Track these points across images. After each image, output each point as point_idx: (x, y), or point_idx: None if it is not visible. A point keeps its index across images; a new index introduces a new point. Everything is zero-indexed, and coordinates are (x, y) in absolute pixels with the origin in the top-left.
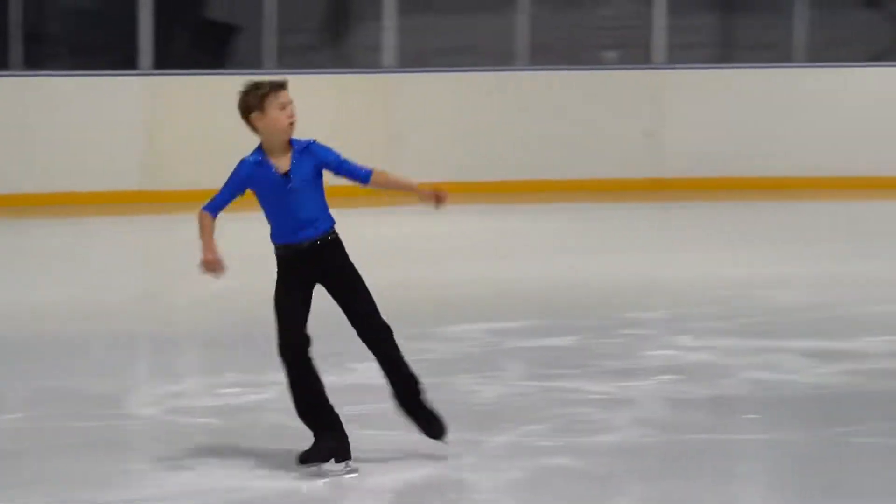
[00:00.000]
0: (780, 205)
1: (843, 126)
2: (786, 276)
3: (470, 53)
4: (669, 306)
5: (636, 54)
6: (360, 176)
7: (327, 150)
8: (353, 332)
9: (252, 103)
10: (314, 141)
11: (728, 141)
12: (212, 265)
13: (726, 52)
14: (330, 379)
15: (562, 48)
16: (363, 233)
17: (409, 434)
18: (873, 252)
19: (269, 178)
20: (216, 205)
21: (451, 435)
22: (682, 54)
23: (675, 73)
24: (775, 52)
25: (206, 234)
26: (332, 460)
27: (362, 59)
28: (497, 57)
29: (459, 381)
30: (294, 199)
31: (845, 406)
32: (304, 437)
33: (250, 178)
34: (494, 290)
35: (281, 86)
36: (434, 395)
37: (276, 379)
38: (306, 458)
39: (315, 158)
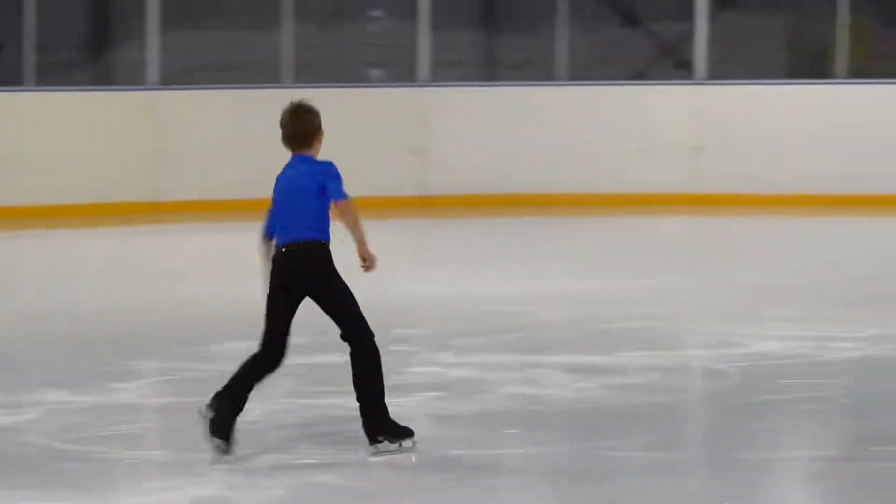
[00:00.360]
0: (542, 221)
1: (604, 143)
2: (547, 292)
3: (235, 70)
4: (433, 323)
5: (401, 72)
6: (339, 196)
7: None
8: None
9: (319, 124)
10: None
11: (493, 158)
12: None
13: (490, 70)
14: (92, 399)
15: (327, 65)
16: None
17: (175, 453)
18: (631, 268)
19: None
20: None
21: (214, 454)
22: (447, 72)
23: (439, 91)
24: (538, 71)
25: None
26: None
27: (125, 77)
28: (262, 74)
29: None
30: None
31: (605, 420)
32: (74, 458)
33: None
34: (253, 307)
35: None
36: (196, 414)
37: (37, 399)
38: (210, 429)
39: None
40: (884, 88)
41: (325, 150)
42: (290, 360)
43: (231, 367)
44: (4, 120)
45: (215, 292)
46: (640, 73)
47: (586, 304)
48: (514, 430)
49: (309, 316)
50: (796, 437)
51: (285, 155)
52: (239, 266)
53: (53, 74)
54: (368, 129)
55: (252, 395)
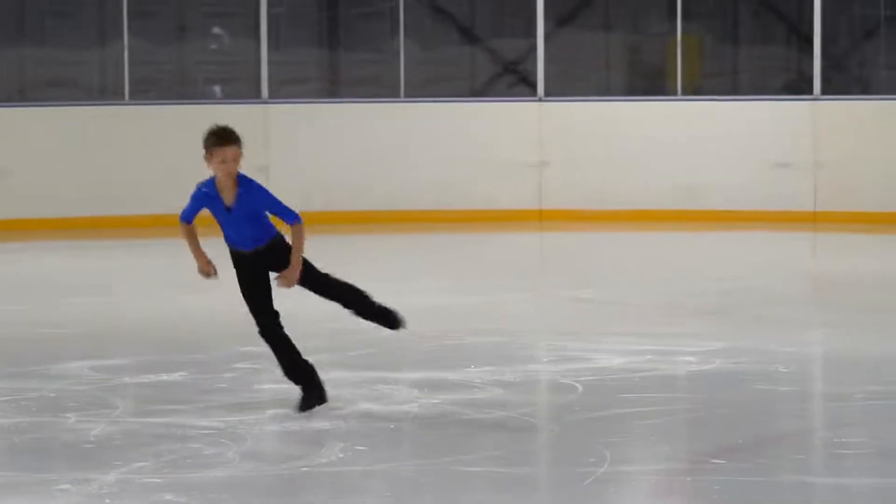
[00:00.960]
0: (387, 238)
1: (448, 160)
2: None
3: (69, 86)
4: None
5: (242, 89)
6: (289, 219)
7: (265, 195)
8: None
9: (205, 145)
10: (254, 183)
11: (337, 175)
12: (206, 271)
13: (333, 86)
14: None
15: (166, 82)
16: None
17: (16, 475)
18: (476, 284)
19: (217, 208)
20: (185, 214)
21: (59, 474)
22: (289, 89)
23: (281, 108)
24: (381, 88)
25: (191, 243)
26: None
27: None
28: (98, 91)
29: (66, 420)
30: (237, 224)
31: (452, 435)
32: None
33: (203, 202)
34: (101, 326)
35: (225, 142)
36: (39, 433)
37: None
38: (305, 407)
39: (255, 201)
40: (716, 105)
41: (171, 168)
42: (130, 378)
43: (72, 387)
44: None
45: (56, 311)
46: (480, 90)
47: (432, 320)
48: (361, 447)
49: (140, 334)
50: (640, 451)
51: (125, 174)
52: (78, 283)
53: None
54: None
55: (92, 416)
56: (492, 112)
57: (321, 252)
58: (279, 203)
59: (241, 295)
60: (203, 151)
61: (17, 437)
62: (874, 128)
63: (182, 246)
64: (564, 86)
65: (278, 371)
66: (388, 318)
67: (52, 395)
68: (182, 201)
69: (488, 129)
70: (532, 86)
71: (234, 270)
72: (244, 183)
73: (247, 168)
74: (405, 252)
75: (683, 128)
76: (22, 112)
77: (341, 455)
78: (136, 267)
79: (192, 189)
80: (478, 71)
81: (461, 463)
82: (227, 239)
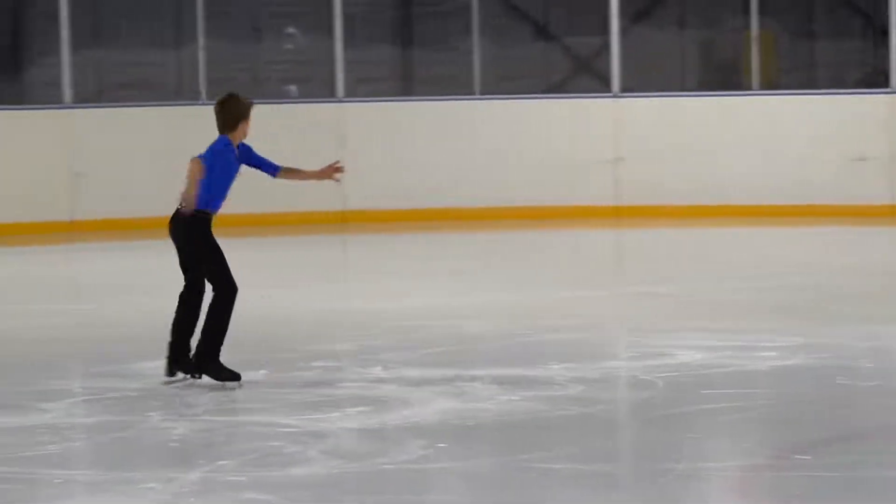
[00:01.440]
0: (463, 235)
1: (523, 157)
2: (472, 306)
3: (147, 88)
4: (357, 338)
5: (317, 88)
6: (271, 170)
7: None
8: None
9: (246, 114)
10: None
11: (411, 173)
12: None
13: (407, 85)
14: (16, 420)
15: (242, 82)
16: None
17: (101, 473)
18: (555, 280)
19: (230, 160)
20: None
21: (143, 473)
22: (363, 88)
23: (356, 107)
24: (455, 85)
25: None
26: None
27: (40, 95)
28: (177, 92)
29: (150, 419)
30: (230, 183)
31: (532, 433)
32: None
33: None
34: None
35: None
36: (123, 432)
37: None
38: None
39: (247, 155)
40: (792, 99)
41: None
42: (210, 378)
43: (154, 387)
44: None
45: (133, 311)
46: (555, 88)
47: (511, 317)
48: (442, 444)
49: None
50: (721, 447)
51: None
52: (153, 283)
53: None
54: (286, 145)
55: (175, 415)
56: (566, 109)
57: (394, 250)
58: (261, 158)
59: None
60: (240, 119)
61: (102, 437)
62: None
63: (260, 244)
64: (639, 82)
65: (357, 369)
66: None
67: (134, 394)
68: (260, 200)
69: (563, 127)
70: (606, 82)
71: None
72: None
73: (319, 165)
74: (479, 250)
75: (759, 123)
76: (99, 113)
77: (422, 452)
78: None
79: (270, 189)
80: (552, 68)
81: (541, 460)
82: (211, 204)
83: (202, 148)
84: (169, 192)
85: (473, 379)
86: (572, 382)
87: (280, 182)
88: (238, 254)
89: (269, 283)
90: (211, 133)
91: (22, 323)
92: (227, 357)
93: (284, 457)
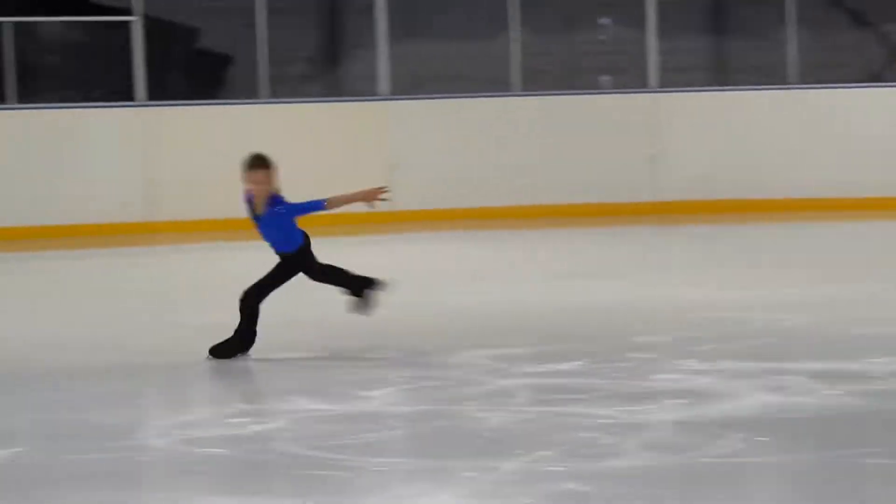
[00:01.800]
0: (778, 227)
1: (838, 146)
2: (788, 299)
3: (463, 80)
4: (673, 330)
5: (630, 79)
6: (318, 207)
7: (288, 210)
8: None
9: (242, 169)
10: (283, 204)
11: (724, 163)
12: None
13: (720, 75)
14: (338, 408)
15: (555, 73)
16: (356, 262)
17: (421, 461)
18: (869, 272)
19: (250, 212)
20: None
21: (462, 462)
22: (676, 78)
23: (670, 97)
24: (769, 74)
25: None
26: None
27: (356, 87)
28: (491, 83)
29: (466, 409)
30: (265, 230)
31: (855, 427)
32: (321, 466)
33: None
34: (497, 316)
35: (253, 166)
36: (441, 421)
37: (284, 408)
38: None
39: (280, 218)
40: None
41: (557, 158)
42: (527, 368)
43: (472, 376)
44: (239, 132)
45: (453, 301)
46: (874, 75)
47: (826, 310)
48: (761, 438)
49: (535, 323)
50: None
51: (518, 165)
52: (474, 273)
53: (287, 87)
54: (599, 137)
55: (492, 405)
56: (887, 98)
57: (712, 242)
58: (301, 204)
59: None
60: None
61: (420, 425)
62: None
63: (574, 235)
64: None
65: (673, 361)
66: (370, 284)
67: (451, 383)
68: (587, 190)
69: (883, 116)
70: None
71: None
72: (276, 203)
73: (635, 157)
74: (793, 240)
75: None
76: (415, 105)
77: (741, 446)
78: (527, 256)
79: (590, 176)
80: (868, 56)
81: (862, 455)
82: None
83: (516, 139)
84: (484, 182)
85: (792, 372)
86: (892, 377)
87: (595, 175)
88: (568, 244)
89: (588, 275)
90: (521, 125)
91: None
92: (538, 349)
93: (601, 448)
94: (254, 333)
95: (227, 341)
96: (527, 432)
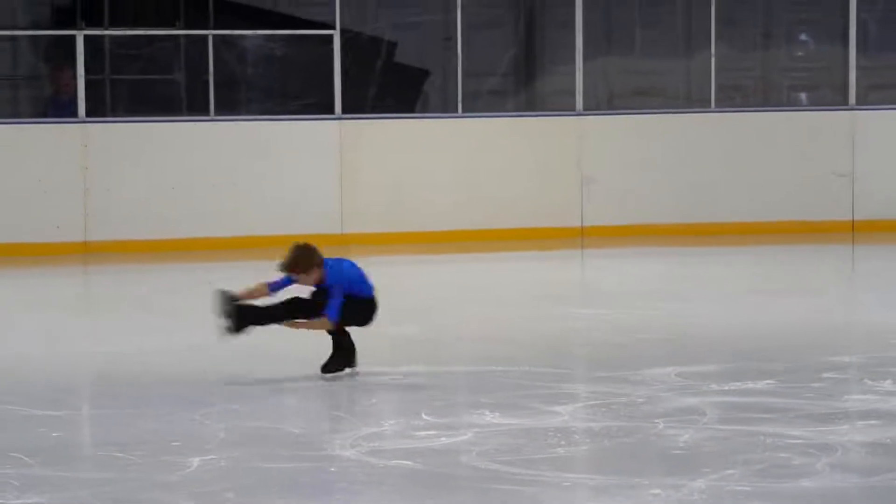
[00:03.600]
0: None
1: None
2: None
3: (657, 95)
4: (868, 350)
5: (826, 95)
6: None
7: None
8: None
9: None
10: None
11: None
12: None
13: None
14: (525, 422)
15: (750, 89)
16: (546, 277)
17: (608, 478)
18: None
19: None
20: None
21: (649, 479)
22: (875, 95)
23: (868, 114)
24: None
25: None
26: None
27: (552, 103)
28: (686, 99)
29: (655, 425)
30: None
31: None
32: (507, 480)
33: None
34: (686, 333)
35: (291, 271)
36: (629, 438)
37: (471, 422)
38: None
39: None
40: None
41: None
42: (715, 385)
43: (660, 393)
44: (435, 145)
45: (643, 317)
46: None
47: None
48: None
49: (723, 341)
50: None
51: (712, 181)
52: (663, 290)
53: (481, 101)
54: (792, 153)
55: (680, 423)
56: None
57: None
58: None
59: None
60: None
61: (609, 441)
62: None
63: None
64: None
65: (867, 381)
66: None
67: (640, 400)
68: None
69: None
70: None
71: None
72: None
73: (826, 174)
74: None
75: None
76: (610, 120)
77: None
78: (720, 273)
79: (786, 193)
80: None
81: None
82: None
83: (710, 155)
84: (677, 199)
85: None
86: None
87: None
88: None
89: (776, 293)
90: (716, 141)
91: (533, 326)
92: (727, 366)
93: (792, 468)
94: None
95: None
96: (715, 451)
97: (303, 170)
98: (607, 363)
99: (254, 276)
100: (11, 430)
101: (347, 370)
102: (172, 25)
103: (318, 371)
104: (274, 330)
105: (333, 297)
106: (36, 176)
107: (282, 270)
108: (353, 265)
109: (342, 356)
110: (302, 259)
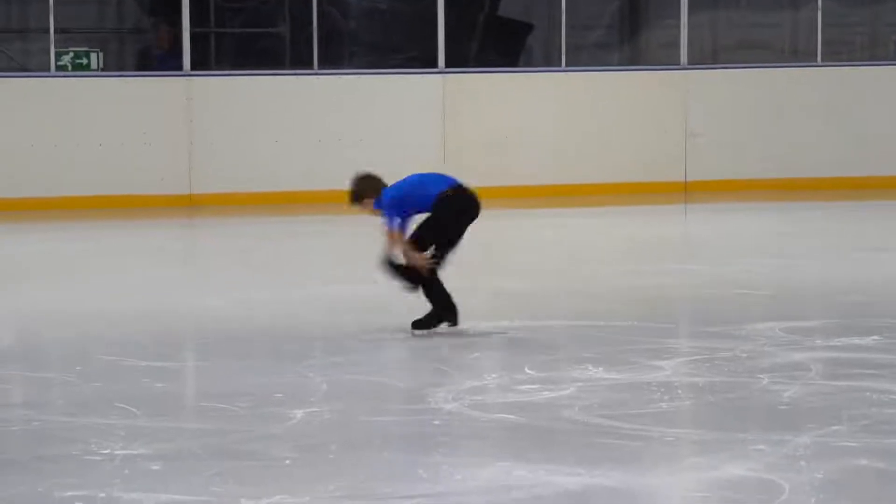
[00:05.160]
0: None
1: None
2: None
3: (762, 49)
4: None
5: None
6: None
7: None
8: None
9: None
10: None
11: None
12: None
13: None
14: (628, 376)
15: (857, 43)
16: (644, 233)
17: (710, 432)
18: None
19: None
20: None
21: (753, 434)
22: None
23: None
24: None
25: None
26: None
27: (656, 56)
28: (791, 53)
29: (760, 381)
30: None
31: None
32: (610, 435)
33: None
34: (792, 288)
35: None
36: (734, 393)
37: (574, 376)
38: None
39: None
40: None
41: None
42: (821, 341)
43: (765, 348)
44: (538, 99)
45: (749, 272)
46: None
47: None
48: None
49: (828, 296)
50: None
51: (816, 136)
52: (776, 245)
53: (584, 55)
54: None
55: (785, 378)
56: None
57: None
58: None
59: None
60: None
61: (713, 396)
62: None
63: (870, 208)
64: None
65: None
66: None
67: (744, 355)
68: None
69: None
70: None
71: None
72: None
73: None
74: None
75: None
76: (715, 74)
77: None
78: (827, 228)
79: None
80: None
81: None
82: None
83: (816, 110)
84: (782, 153)
85: None
86: None
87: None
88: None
89: (882, 248)
90: (821, 96)
91: (625, 281)
92: (832, 321)
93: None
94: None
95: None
96: (820, 406)
97: (406, 124)
98: (711, 318)
99: (352, 230)
100: (117, 381)
101: (444, 325)
102: None
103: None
104: (377, 283)
105: (386, 218)
106: (141, 129)
107: (352, 203)
108: (412, 180)
109: (435, 313)
110: (360, 190)
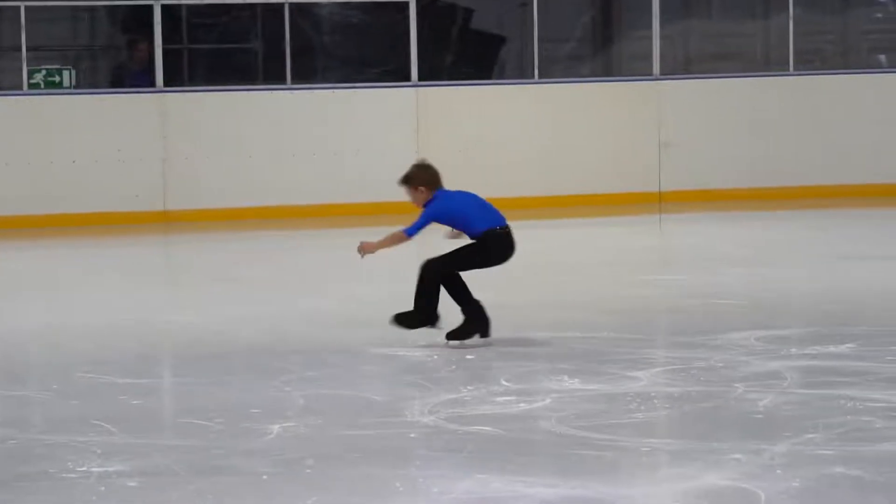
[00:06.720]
0: None
1: None
2: None
3: (734, 59)
4: None
5: None
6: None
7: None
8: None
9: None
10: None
11: None
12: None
13: None
14: (603, 387)
15: (828, 52)
16: (625, 244)
17: (687, 442)
18: None
19: None
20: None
21: (729, 444)
22: None
23: None
24: None
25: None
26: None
27: (629, 67)
28: (763, 62)
29: (735, 390)
30: None
31: None
32: (586, 445)
33: None
34: (766, 297)
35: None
36: (709, 402)
37: (550, 387)
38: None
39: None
40: None
41: (828, 138)
42: (797, 349)
43: (740, 357)
44: (511, 111)
45: (724, 281)
46: None
47: None
48: None
49: (805, 305)
50: None
51: (790, 145)
52: (749, 254)
53: (557, 67)
54: (874, 114)
55: (761, 386)
56: None
57: None
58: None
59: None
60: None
61: (688, 406)
62: None
63: (846, 217)
64: None
65: None
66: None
67: (719, 364)
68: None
69: None
70: None
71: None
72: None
73: None
74: None
75: None
76: (686, 84)
77: None
78: (799, 238)
79: (868, 157)
80: None
81: None
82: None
83: (788, 118)
84: (755, 163)
85: None
86: None
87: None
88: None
89: (861, 257)
90: (794, 105)
91: (611, 291)
92: (806, 330)
93: (873, 432)
94: (434, 308)
95: (410, 311)
96: (796, 415)
97: (380, 137)
98: (686, 328)
99: (328, 243)
100: (93, 398)
101: (476, 337)
102: None
103: (400, 338)
104: (355, 297)
105: (419, 218)
106: (115, 146)
107: (399, 183)
108: (467, 200)
109: (470, 325)
110: (413, 174)
